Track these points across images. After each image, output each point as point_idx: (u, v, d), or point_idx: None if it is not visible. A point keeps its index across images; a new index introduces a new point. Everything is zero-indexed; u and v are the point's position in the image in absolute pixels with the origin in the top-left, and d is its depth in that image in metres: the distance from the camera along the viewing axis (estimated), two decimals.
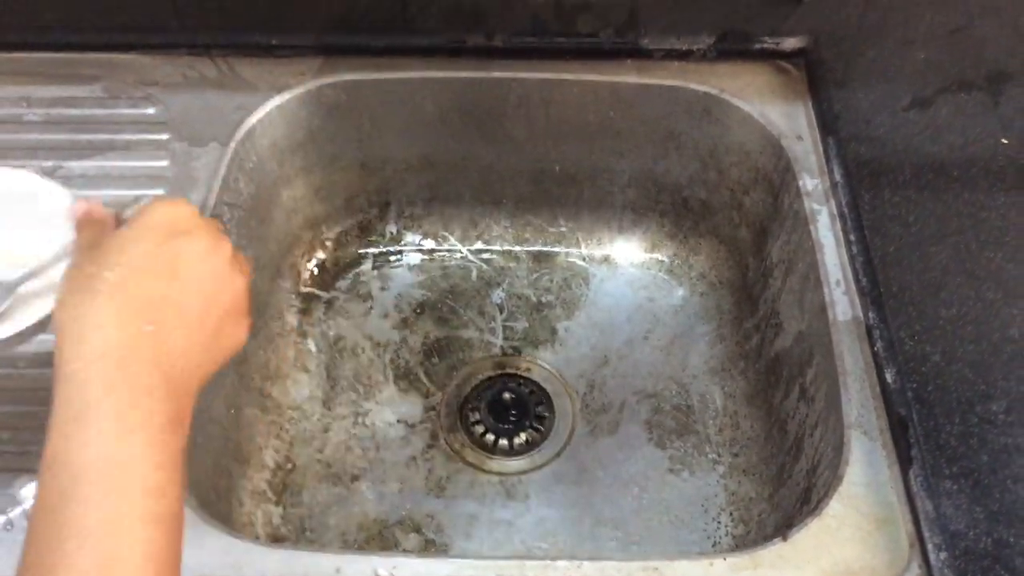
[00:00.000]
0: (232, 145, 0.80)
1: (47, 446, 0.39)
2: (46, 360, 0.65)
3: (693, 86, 0.85)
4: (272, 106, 0.83)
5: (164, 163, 0.78)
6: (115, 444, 0.39)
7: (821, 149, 0.80)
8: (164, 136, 0.80)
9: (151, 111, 0.82)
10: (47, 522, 0.38)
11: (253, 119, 0.82)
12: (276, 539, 0.78)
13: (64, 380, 0.40)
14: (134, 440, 0.39)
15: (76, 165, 0.77)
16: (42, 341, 0.66)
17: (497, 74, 0.86)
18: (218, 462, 0.73)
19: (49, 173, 0.76)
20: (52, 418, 0.40)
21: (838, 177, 0.77)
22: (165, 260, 0.44)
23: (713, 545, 0.79)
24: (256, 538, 0.76)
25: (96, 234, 0.47)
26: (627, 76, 0.86)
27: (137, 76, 0.84)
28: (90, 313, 0.41)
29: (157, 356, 0.42)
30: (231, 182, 0.79)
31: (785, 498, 0.75)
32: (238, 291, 0.49)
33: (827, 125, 0.80)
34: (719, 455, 0.85)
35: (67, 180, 0.76)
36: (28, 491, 0.59)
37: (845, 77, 0.83)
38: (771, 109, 0.84)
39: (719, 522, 0.81)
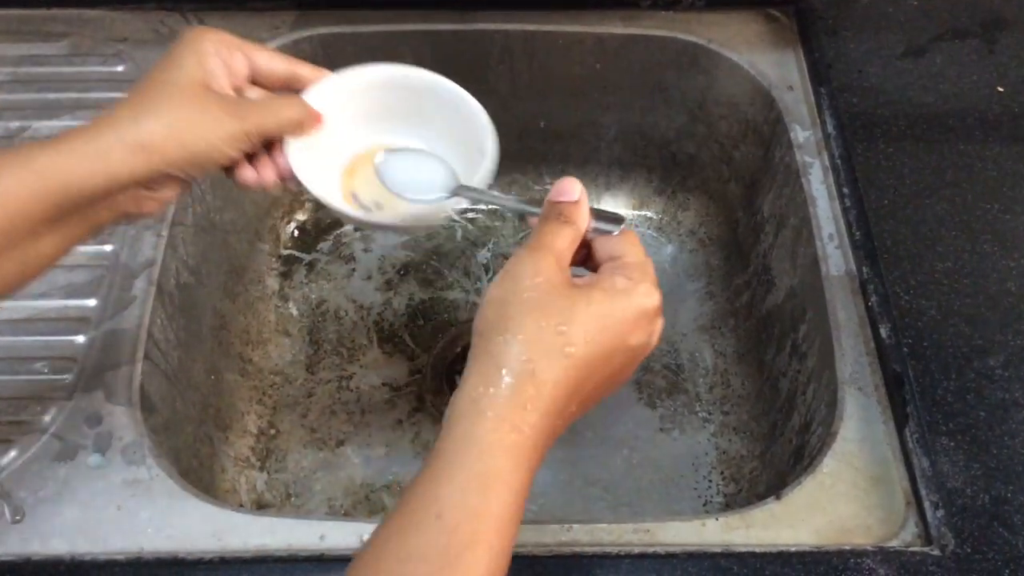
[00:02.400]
0: None
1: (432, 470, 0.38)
2: (22, 328, 0.63)
3: (680, 36, 0.83)
4: None
5: None
6: (489, 501, 0.37)
7: (813, 100, 0.78)
8: None
9: (121, 68, 0.79)
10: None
11: None
12: (261, 505, 0.77)
13: (478, 419, 0.38)
14: (505, 500, 0.38)
15: (43, 125, 0.75)
16: (12, 308, 0.64)
17: (479, 26, 0.83)
18: (199, 429, 0.72)
19: (15, 135, 0.74)
20: (442, 446, 0.38)
21: (830, 128, 0.75)
22: (621, 355, 0.42)
23: (704, 504, 0.79)
24: (240, 505, 0.75)
25: (558, 233, 0.43)
26: (613, 27, 0.83)
27: (106, 32, 0.81)
28: (543, 371, 0.38)
29: (555, 431, 0.40)
30: None
31: (777, 456, 0.74)
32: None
33: (819, 75, 0.78)
34: (709, 413, 0.84)
35: (35, 141, 0.73)
36: (2, 461, 0.57)
37: (837, 25, 0.81)
38: (761, 59, 0.82)
39: (710, 481, 0.80)
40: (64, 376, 0.61)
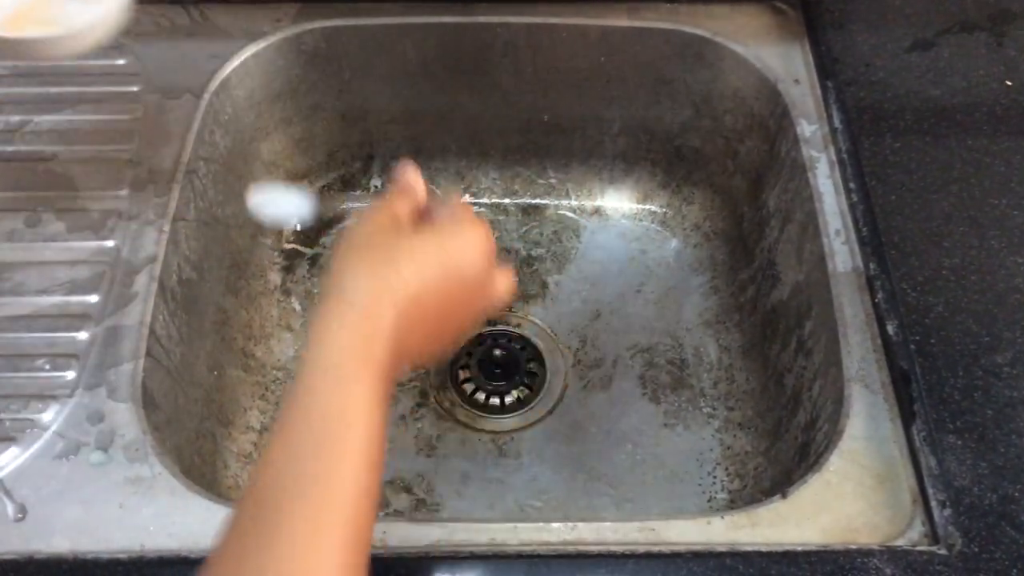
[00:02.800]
0: (206, 96, 0.76)
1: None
2: (24, 325, 0.63)
3: (686, 29, 0.82)
4: (248, 55, 0.80)
5: (136, 116, 0.75)
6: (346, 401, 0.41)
7: (819, 93, 0.77)
8: (135, 88, 0.77)
9: (122, 62, 0.79)
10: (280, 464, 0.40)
11: (228, 69, 0.78)
12: None
13: (325, 342, 0.42)
14: (361, 404, 0.41)
15: (45, 119, 0.74)
16: (13, 304, 0.64)
17: (482, 18, 0.83)
18: (201, 425, 0.71)
19: (16, 129, 0.73)
20: (303, 363, 0.42)
21: (837, 123, 0.74)
22: (457, 285, 0.46)
23: (708, 500, 0.78)
24: None
25: (397, 198, 0.49)
26: (618, 19, 0.82)
27: None
28: (380, 299, 0.43)
29: (400, 355, 0.44)
30: (206, 135, 0.76)
31: (782, 452, 0.74)
32: (488, 310, 0.50)
33: (825, 68, 0.77)
34: (714, 409, 0.84)
35: (36, 135, 0.73)
36: (3, 459, 0.57)
37: (844, 18, 0.80)
38: (767, 52, 0.81)
39: (714, 477, 0.80)
40: (66, 373, 0.61)
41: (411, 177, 0.51)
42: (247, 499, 0.40)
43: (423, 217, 0.50)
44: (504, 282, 0.50)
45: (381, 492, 0.79)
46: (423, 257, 0.45)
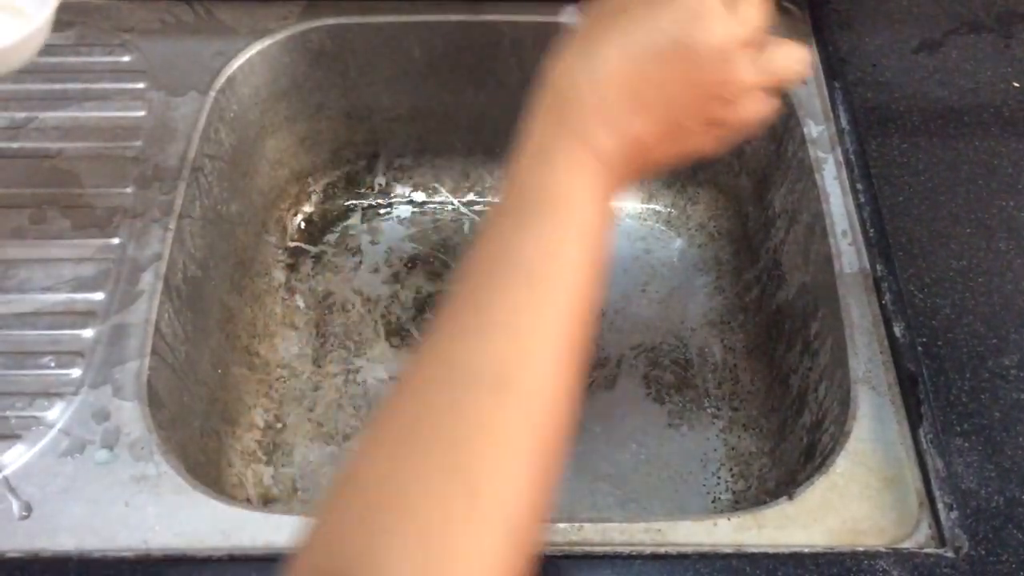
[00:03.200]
0: (212, 94, 0.76)
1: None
2: (29, 322, 0.63)
3: None
4: (253, 52, 0.79)
5: (141, 113, 0.75)
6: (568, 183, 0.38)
7: (826, 94, 0.77)
8: (141, 85, 0.77)
9: (127, 59, 0.78)
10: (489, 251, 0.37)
11: (233, 66, 0.78)
12: (267, 500, 0.76)
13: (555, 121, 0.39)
14: (570, 179, 0.38)
15: (50, 116, 0.74)
16: (18, 302, 0.64)
17: (489, 17, 0.82)
18: (206, 423, 0.71)
19: (22, 125, 0.73)
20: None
21: (844, 123, 0.74)
22: (674, 80, 0.40)
23: (713, 501, 0.78)
24: (247, 499, 0.74)
25: None
26: None
27: (112, 22, 0.81)
28: (569, 81, 0.40)
29: (618, 134, 0.40)
30: (211, 133, 0.75)
31: (787, 453, 0.74)
32: (739, 118, 0.43)
33: (832, 69, 0.77)
34: (718, 409, 0.83)
35: (41, 132, 0.73)
36: (8, 456, 0.57)
37: (851, 18, 0.80)
38: None
39: (719, 477, 0.80)
40: (71, 371, 0.61)
41: None
42: (460, 284, 0.37)
43: None
44: (757, 101, 0.42)
45: None
46: (633, 30, 0.39)
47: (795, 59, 0.43)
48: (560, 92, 0.40)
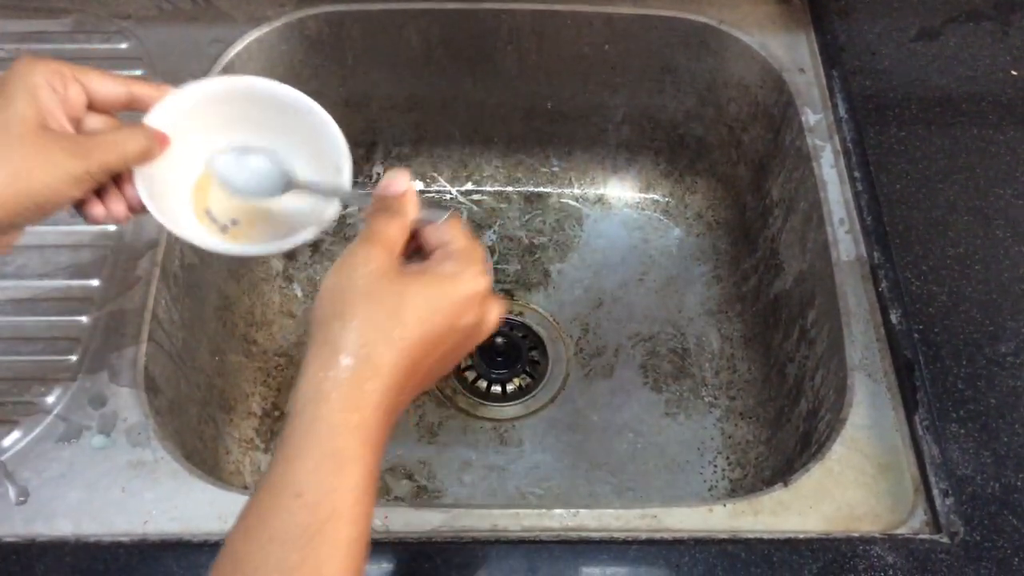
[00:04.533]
0: None
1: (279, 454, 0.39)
2: (26, 308, 0.63)
3: (690, 16, 0.82)
4: (250, 39, 0.79)
5: None
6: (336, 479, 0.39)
7: (824, 82, 0.77)
8: (138, 72, 0.76)
9: (124, 46, 0.78)
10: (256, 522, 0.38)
11: (231, 53, 0.78)
12: None
13: (318, 400, 0.39)
14: (359, 475, 0.39)
15: None
16: (15, 288, 0.64)
17: (487, 5, 0.82)
18: (203, 410, 0.71)
19: None
20: (291, 433, 0.39)
21: (842, 112, 0.74)
22: (454, 336, 0.43)
23: (710, 489, 0.78)
24: (244, 487, 0.74)
25: (388, 225, 0.44)
26: (622, 6, 0.82)
27: (109, 9, 0.80)
28: (379, 354, 0.40)
29: (396, 409, 0.42)
30: None
31: (783, 441, 0.74)
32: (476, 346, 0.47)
33: (831, 57, 0.77)
34: (715, 398, 0.84)
35: None
36: (6, 441, 0.57)
37: (849, 6, 0.80)
38: (772, 40, 0.81)
39: (715, 466, 0.80)
40: (68, 357, 0.61)
41: (401, 191, 0.45)
42: (225, 561, 0.38)
43: (413, 239, 0.46)
44: (496, 312, 0.46)
45: (382, 480, 0.79)
46: (426, 309, 0.41)
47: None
48: (353, 366, 0.40)
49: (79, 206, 0.48)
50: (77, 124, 0.47)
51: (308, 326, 0.42)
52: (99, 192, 0.48)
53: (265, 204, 0.52)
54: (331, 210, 0.50)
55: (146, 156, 0.48)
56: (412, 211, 0.45)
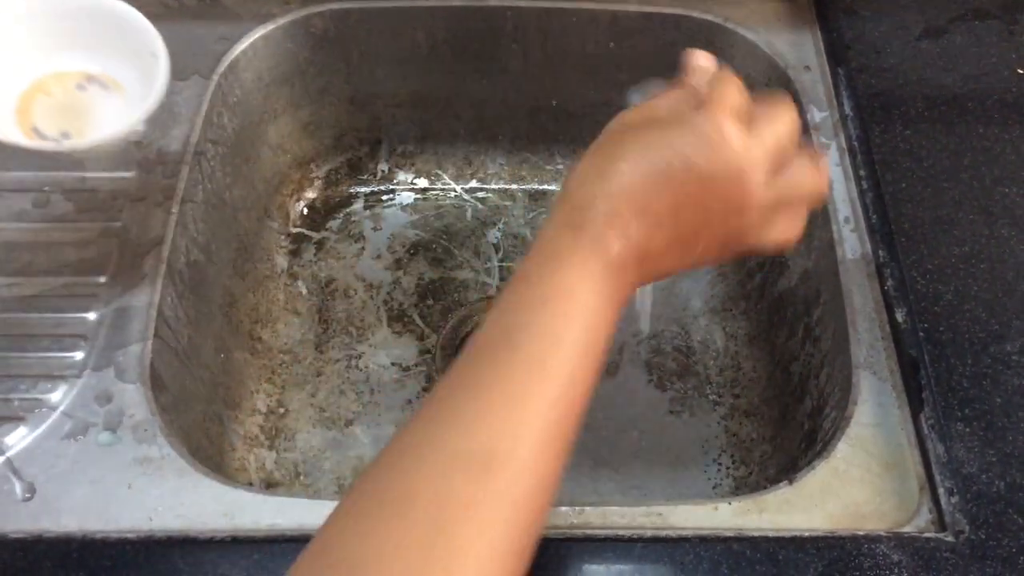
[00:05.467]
0: (215, 78, 0.76)
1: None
2: (32, 305, 0.63)
3: (696, 14, 0.82)
4: (256, 36, 0.79)
5: None
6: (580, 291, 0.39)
7: (830, 80, 0.77)
8: None
9: None
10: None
11: (236, 50, 0.78)
12: (270, 484, 0.77)
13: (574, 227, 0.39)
14: (579, 283, 0.39)
15: None
16: (21, 284, 0.64)
17: (492, 2, 0.82)
18: (209, 407, 0.71)
19: None
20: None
21: (848, 110, 0.74)
22: (689, 197, 0.41)
23: (714, 487, 0.78)
24: (249, 483, 0.74)
25: (727, 87, 0.43)
26: (628, 4, 0.82)
27: None
28: (585, 193, 0.40)
29: (629, 247, 0.40)
30: (214, 117, 0.75)
31: (788, 440, 0.74)
32: (755, 237, 0.44)
33: (836, 55, 0.77)
34: (720, 396, 0.84)
35: None
36: (12, 438, 0.57)
37: (855, 5, 0.80)
38: (777, 38, 0.81)
39: (720, 464, 0.80)
40: (74, 353, 0.61)
41: (702, 62, 0.46)
42: (461, 362, 0.38)
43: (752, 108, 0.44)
44: (791, 222, 0.44)
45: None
46: (647, 149, 0.41)
47: (816, 178, 0.44)
48: (575, 201, 0.40)
49: None
50: None
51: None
52: None
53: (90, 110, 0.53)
54: (150, 101, 0.52)
55: None
56: (707, 71, 0.46)
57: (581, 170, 0.42)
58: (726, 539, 0.53)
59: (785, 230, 0.44)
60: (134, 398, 0.59)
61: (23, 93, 0.53)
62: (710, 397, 0.84)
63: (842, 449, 0.58)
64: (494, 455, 0.35)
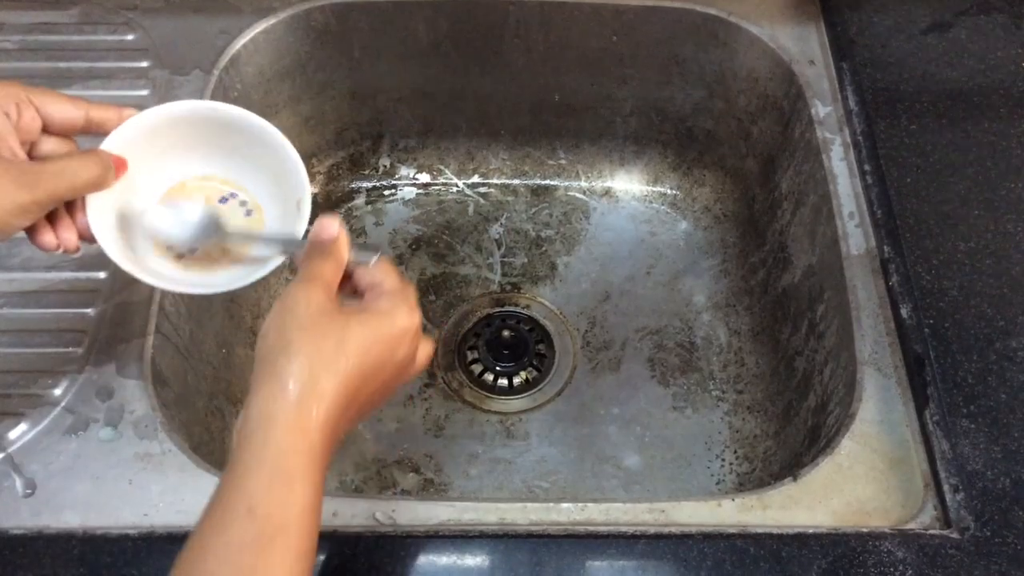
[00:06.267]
0: (216, 73, 0.76)
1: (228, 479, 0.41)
2: (33, 300, 0.63)
3: (699, 8, 0.81)
4: (257, 31, 0.79)
5: (145, 92, 0.74)
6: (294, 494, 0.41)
7: (835, 75, 0.76)
8: (144, 64, 0.76)
9: (131, 37, 0.78)
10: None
11: (237, 45, 0.78)
12: None
13: (267, 425, 0.41)
14: (306, 493, 0.42)
15: None
16: (22, 280, 0.63)
17: None
18: (210, 403, 0.71)
19: None
20: (242, 454, 0.41)
21: (852, 104, 0.73)
22: (390, 368, 0.46)
23: (717, 483, 0.78)
24: None
25: (323, 266, 0.46)
26: None
27: (116, 1, 0.80)
28: (324, 381, 0.42)
29: (338, 433, 0.44)
30: None
31: (791, 436, 0.74)
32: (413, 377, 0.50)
33: (841, 49, 0.77)
34: (723, 392, 0.83)
35: None
36: (13, 434, 0.57)
37: None
38: (782, 32, 0.80)
39: (723, 460, 0.79)
40: (75, 349, 0.61)
41: (333, 235, 0.48)
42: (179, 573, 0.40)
43: (347, 280, 0.48)
44: (427, 351, 0.50)
45: (389, 474, 0.79)
46: (365, 341, 0.44)
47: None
48: (298, 393, 0.42)
49: (29, 232, 0.47)
50: (33, 148, 0.47)
51: (255, 365, 0.43)
52: (52, 218, 0.48)
53: None
54: (275, 261, 0.52)
55: (99, 184, 0.48)
56: (345, 253, 0.48)
57: (293, 354, 0.42)
58: (729, 536, 0.53)
59: (426, 356, 0.50)
60: (135, 393, 0.59)
61: (165, 195, 0.53)
62: (713, 393, 0.83)
63: (846, 445, 0.58)
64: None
